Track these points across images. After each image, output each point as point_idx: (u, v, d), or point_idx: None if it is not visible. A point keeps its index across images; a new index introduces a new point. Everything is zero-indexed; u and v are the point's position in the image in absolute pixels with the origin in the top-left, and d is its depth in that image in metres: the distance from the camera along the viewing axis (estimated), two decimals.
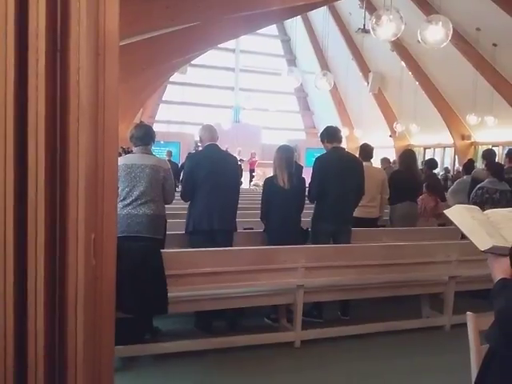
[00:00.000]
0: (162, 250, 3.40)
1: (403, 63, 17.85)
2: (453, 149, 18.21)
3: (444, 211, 1.49)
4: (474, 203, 4.99)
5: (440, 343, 3.99)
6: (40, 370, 1.64)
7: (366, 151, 5.52)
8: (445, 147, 19.02)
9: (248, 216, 5.27)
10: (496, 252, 1.27)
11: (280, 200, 4.21)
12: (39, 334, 1.63)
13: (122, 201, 3.65)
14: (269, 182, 4.37)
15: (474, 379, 1.67)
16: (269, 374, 3.38)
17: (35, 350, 1.64)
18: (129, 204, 3.64)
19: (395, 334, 4.02)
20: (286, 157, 4.30)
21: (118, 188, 3.58)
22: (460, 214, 1.39)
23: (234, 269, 3.55)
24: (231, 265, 3.54)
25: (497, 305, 1.15)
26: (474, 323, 1.73)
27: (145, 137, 3.83)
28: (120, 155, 7.77)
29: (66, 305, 1.68)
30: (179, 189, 4.36)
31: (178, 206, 5.47)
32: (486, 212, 1.42)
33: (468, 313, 1.74)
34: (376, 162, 7.66)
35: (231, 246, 4.03)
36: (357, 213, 4.75)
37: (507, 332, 1.12)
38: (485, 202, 5.00)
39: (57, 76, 1.63)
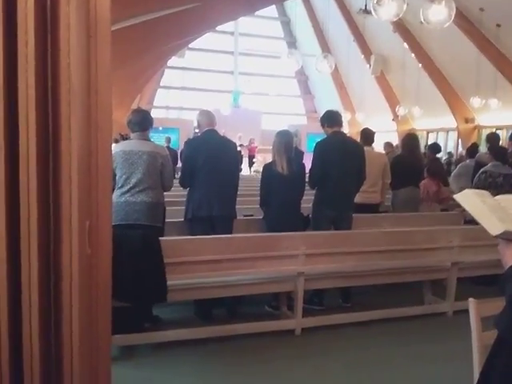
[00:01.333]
0: (160, 238, 3.36)
1: (406, 45, 17.63)
2: (456, 132, 18.10)
3: (453, 196, 1.46)
4: (477, 187, 4.93)
5: (442, 330, 3.97)
6: (36, 359, 1.62)
7: (367, 136, 5.44)
8: (448, 131, 18.91)
9: (248, 203, 5.21)
10: (507, 237, 1.24)
11: (279, 186, 4.15)
12: (34, 323, 1.60)
13: (119, 188, 3.60)
14: (267, 168, 4.30)
15: (475, 365, 1.65)
16: (269, 361, 3.36)
17: (30, 340, 1.61)
18: (127, 191, 3.58)
19: (397, 321, 4.00)
20: (285, 142, 4.22)
21: (113, 174, 3.53)
22: (470, 199, 1.36)
23: (233, 256, 3.51)
24: (231, 252, 3.50)
25: (509, 290, 1.12)
26: (476, 309, 1.72)
27: (142, 122, 3.76)
28: (118, 141, 7.71)
29: (60, 294, 1.65)
30: (178, 176, 4.30)
31: (177, 193, 5.43)
32: (496, 197, 1.39)
33: (470, 299, 1.73)
34: (378, 146, 7.60)
35: (231, 233, 3.98)
36: (358, 198, 4.69)
37: None
38: (488, 186, 4.94)
39: (47, 59, 1.57)
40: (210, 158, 3.93)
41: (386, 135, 15.03)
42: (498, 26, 13.73)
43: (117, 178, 3.58)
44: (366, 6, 13.18)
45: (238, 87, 24.79)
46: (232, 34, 25.21)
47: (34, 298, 1.59)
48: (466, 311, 1.72)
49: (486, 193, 1.40)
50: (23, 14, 1.50)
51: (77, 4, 1.56)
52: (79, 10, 1.58)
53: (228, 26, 21.35)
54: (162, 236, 3.61)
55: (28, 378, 1.62)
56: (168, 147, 10.79)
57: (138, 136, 3.73)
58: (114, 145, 4.14)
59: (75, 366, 1.68)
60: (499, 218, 1.25)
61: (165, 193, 3.92)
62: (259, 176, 5.25)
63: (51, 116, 1.59)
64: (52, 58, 1.57)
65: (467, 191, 1.39)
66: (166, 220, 3.97)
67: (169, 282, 3.28)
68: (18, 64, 1.51)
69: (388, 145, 8.48)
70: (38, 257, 1.58)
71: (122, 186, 3.59)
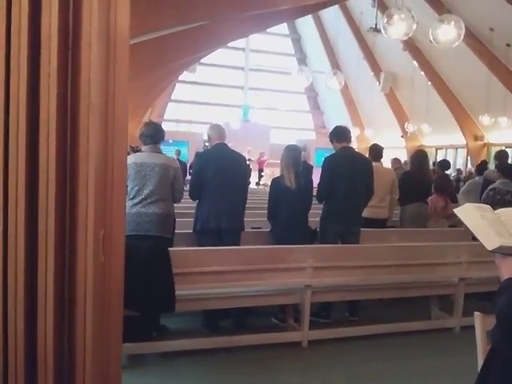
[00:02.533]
0: (170, 249, 3.41)
1: (415, 63, 17.72)
2: (465, 150, 18.06)
3: (454, 210, 1.48)
4: (486, 204, 4.94)
5: (449, 345, 3.96)
6: (49, 366, 1.66)
7: (376, 151, 5.50)
8: (457, 148, 18.88)
9: (256, 216, 5.27)
10: (504, 252, 1.26)
11: (287, 200, 4.20)
12: (49, 330, 1.65)
13: (131, 199, 3.66)
14: (276, 182, 4.36)
15: None
16: (275, 373, 3.38)
17: (45, 347, 1.66)
18: (138, 203, 3.65)
19: (404, 336, 4.00)
20: (293, 156, 4.29)
21: (126, 186, 3.61)
22: (469, 213, 1.38)
23: (241, 268, 3.55)
24: (239, 264, 3.55)
25: (499, 304, 1.15)
26: (482, 323, 1.72)
27: (155, 135, 3.84)
28: (129, 154, 7.80)
29: (75, 301, 1.70)
30: (187, 188, 4.37)
31: (187, 204, 5.49)
32: (497, 211, 1.41)
33: (476, 313, 1.73)
34: (387, 162, 7.63)
35: (239, 245, 4.03)
36: (366, 213, 4.72)
37: (506, 331, 1.12)
38: (496, 203, 4.94)
39: (68, 74, 1.65)
40: (219, 172, 4.00)
41: (395, 151, 15.04)
42: (508, 45, 13.80)
43: (128, 189, 3.65)
44: (376, 24, 13.32)
45: (247, 102, 24.99)
46: (243, 49, 25.54)
47: (50, 304, 1.65)
48: (473, 327, 1.72)
49: (486, 207, 1.41)
50: (47, 33, 1.58)
51: (98, 23, 1.64)
52: (100, 28, 1.67)
53: (239, 42, 21.62)
54: (172, 247, 3.66)
55: (42, 380, 1.66)
56: (178, 159, 10.91)
57: (150, 148, 3.80)
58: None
59: (87, 372, 1.72)
60: (497, 232, 1.27)
61: (175, 204, 3.99)
62: (267, 189, 5.30)
63: (70, 129, 1.67)
64: (72, 74, 1.65)
65: (468, 205, 1.41)
66: (176, 231, 4.03)
67: (177, 292, 3.33)
68: (40, 80, 1.59)
69: (396, 161, 8.50)
70: (54, 264, 1.64)
71: (133, 198, 3.66)
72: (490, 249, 1.25)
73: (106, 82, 1.78)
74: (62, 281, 1.69)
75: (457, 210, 1.40)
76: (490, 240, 1.26)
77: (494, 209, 1.45)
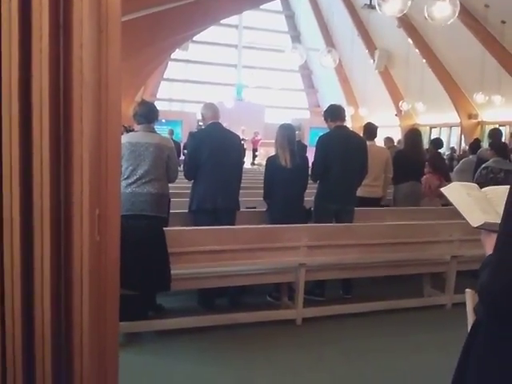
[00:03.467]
0: (165, 228, 3.42)
1: (410, 40, 17.58)
2: (459, 128, 18.08)
3: (441, 189, 1.49)
4: (478, 183, 4.92)
5: (441, 322, 4.03)
6: (47, 344, 1.68)
7: (370, 130, 5.49)
8: (451, 126, 18.90)
9: (251, 195, 5.28)
10: (488, 228, 1.27)
11: (282, 179, 4.20)
12: (46, 309, 1.66)
13: (125, 179, 3.65)
14: (271, 161, 4.35)
15: None
16: (270, 349, 3.43)
17: (42, 326, 1.67)
18: (133, 182, 3.64)
19: (397, 313, 4.07)
20: (288, 135, 4.27)
21: (121, 166, 3.59)
22: (456, 192, 1.38)
23: (236, 247, 3.57)
24: (234, 243, 3.57)
25: (480, 278, 1.18)
26: (473, 300, 1.74)
27: (149, 114, 3.81)
28: (122, 133, 7.73)
29: (71, 280, 1.71)
30: (181, 168, 4.36)
31: (182, 184, 5.49)
32: (484, 189, 1.41)
33: (467, 290, 1.76)
34: (381, 141, 7.63)
35: (234, 225, 4.05)
36: (360, 192, 4.74)
37: (488, 304, 1.15)
38: (489, 181, 4.97)
39: (60, 53, 1.62)
40: (214, 151, 3.99)
41: (389, 130, 15.02)
42: (503, 22, 13.70)
43: (123, 168, 3.63)
44: (370, 0, 13.15)
45: (241, 80, 24.76)
46: (236, 27, 25.19)
47: (46, 283, 1.65)
48: (465, 304, 1.75)
49: (474, 185, 1.41)
50: (38, 9, 1.55)
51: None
52: (91, 4, 1.63)
53: (232, 19, 21.29)
54: (167, 226, 3.67)
55: (39, 357, 1.68)
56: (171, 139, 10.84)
57: (144, 128, 3.78)
58: None
59: (85, 350, 1.74)
60: (482, 209, 1.28)
61: (169, 184, 3.98)
62: (262, 169, 5.30)
63: (63, 108, 1.65)
64: (64, 52, 1.63)
65: (454, 184, 1.41)
66: (171, 211, 4.03)
67: (172, 272, 3.35)
68: (32, 57, 1.57)
69: (388, 140, 8.48)
70: (50, 242, 1.64)
71: (128, 177, 3.65)
72: (474, 225, 1.26)
73: (99, 59, 1.75)
74: (58, 260, 1.69)
75: (444, 189, 1.40)
76: (474, 217, 1.27)
77: (487, 187, 1.46)
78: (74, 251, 1.69)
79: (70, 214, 1.68)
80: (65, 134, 1.66)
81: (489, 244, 1.27)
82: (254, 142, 18.37)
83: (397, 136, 13.18)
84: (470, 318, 1.75)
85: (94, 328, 1.80)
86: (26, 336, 1.67)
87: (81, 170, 1.66)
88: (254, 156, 18.03)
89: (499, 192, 1.39)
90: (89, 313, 1.72)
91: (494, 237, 1.23)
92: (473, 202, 1.31)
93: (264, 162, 4.69)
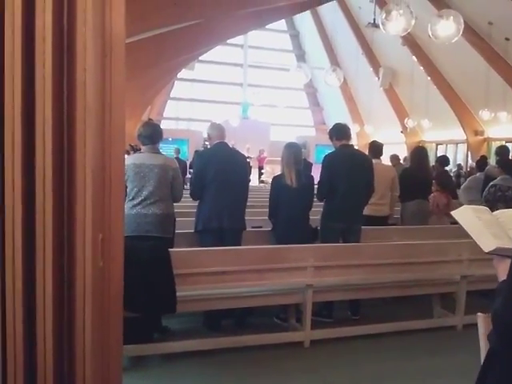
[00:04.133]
0: (170, 250, 3.40)
1: (414, 58, 17.67)
2: (465, 145, 18.02)
3: (451, 212, 1.46)
4: (487, 201, 4.93)
5: (452, 344, 3.94)
6: (49, 371, 1.65)
7: (375, 148, 5.47)
8: (457, 143, 18.84)
9: (256, 214, 5.25)
10: (500, 254, 1.24)
11: (288, 198, 4.17)
12: (48, 336, 1.63)
13: (130, 200, 3.65)
14: (276, 181, 4.34)
15: None
16: (278, 373, 3.36)
17: (44, 352, 1.64)
18: (138, 204, 3.64)
19: (406, 335, 3.98)
20: (294, 154, 4.26)
21: (125, 187, 3.59)
22: (466, 215, 1.36)
23: (242, 268, 3.53)
24: (240, 264, 3.53)
25: (494, 306, 1.15)
26: (485, 324, 1.70)
27: (153, 135, 3.82)
28: (129, 153, 7.78)
29: (74, 307, 1.68)
30: (187, 186, 4.35)
31: (187, 204, 5.47)
32: (495, 213, 1.39)
33: (479, 314, 1.71)
34: (387, 158, 7.61)
35: (240, 245, 4.01)
36: (367, 211, 4.70)
37: (501, 333, 1.11)
38: (497, 199, 4.92)
39: (63, 77, 1.63)
40: (220, 171, 3.98)
41: (395, 147, 14.98)
42: (507, 39, 13.74)
43: (128, 190, 3.64)
44: (374, 20, 13.26)
45: (246, 99, 24.94)
46: (241, 46, 25.46)
47: (48, 309, 1.63)
48: (476, 325, 1.71)
49: (484, 209, 1.39)
50: (41, 34, 1.55)
51: (93, 24, 1.61)
52: (95, 30, 1.64)
53: (238, 38, 21.53)
54: (172, 247, 3.65)
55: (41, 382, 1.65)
56: (177, 158, 10.89)
57: (149, 149, 3.79)
58: (125, 157, 4.20)
59: (87, 377, 1.70)
60: (493, 234, 1.25)
61: (175, 204, 3.97)
62: (267, 187, 5.29)
63: (67, 132, 1.64)
64: (68, 77, 1.63)
65: (464, 207, 1.39)
66: (176, 231, 4.01)
67: (178, 293, 3.31)
68: (35, 82, 1.56)
69: (394, 157, 8.46)
70: (52, 269, 1.62)
71: (133, 199, 3.64)
72: (486, 251, 1.24)
73: (103, 84, 1.75)
74: (61, 287, 1.67)
75: (454, 213, 1.38)
76: (486, 242, 1.24)
77: (496, 205, 1.45)
78: (76, 277, 1.66)
79: (72, 239, 1.66)
80: (68, 159, 1.65)
81: (501, 269, 1.24)
82: (260, 160, 18.39)
83: (402, 153, 13.15)
84: (483, 343, 1.71)
85: (96, 356, 1.76)
86: (28, 365, 1.64)
87: (84, 195, 1.64)
88: (260, 174, 18.04)
89: (510, 215, 1.36)
90: (91, 340, 1.69)
91: (507, 262, 1.21)
92: (483, 226, 1.29)
93: (270, 180, 4.68)
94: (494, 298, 1.21)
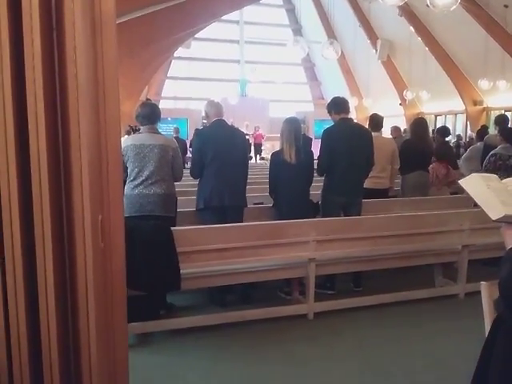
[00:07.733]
0: (173, 228, 3.41)
1: (412, 29, 17.39)
2: (464, 115, 17.87)
3: (459, 181, 1.44)
4: (487, 170, 4.91)
5: (455, 311, 3.99)
6: (54, 352, 1.66)
7: (376, 121, 5.43)
8: (456, 114, 18.69)
9: (257, 191, 5.25)
10: (508, 221, 1.23)
11: (287, 175, 4.16)
12: (51, 318, 1.63)
13: (132, 181, 3.66)
14: (275, 157, 4.32)
15: None
16: (282, 343, 3.42)
17: (48, 335, 1.64)
18: (139, 184, 3.65)
19: (409, 304, 4.03)
20: (294, 129, 4.23)
21: (124, 167, 3.59)
22: (475, 184, 1.34)
23: (245, 244, 3.55)
24: (242, 240, 3.54)
25: (501, 274, 1.15)
26: (488, 292, 1.71)
27: (151, 115, 3.80)
28: (129, 133, 7.74)
29: (76, 290, 1.67)
30: (188, 166, 4.34)
31: (188, 183, 5.47)
32: (504, 180, 1.37)
33: (482, 282, 1.72)
34: (386, 130, 7.55)
35: (242, 222, 4.02)
36: (367, 184, 4.70)
37: (508, 301, 1.12)
38: (498, 168, 4.91)
39: (54, 56, 1.59)
40: (219, 149, 3.96)
41: (394, 119, 14.88)
42: (506, 6, 13.48)
43: (128, 171, 3.65)
44: None
45: (244, 76, 24.66)
46: (237, 22, 25.04)
47: (51, 293, 1.62)
48: (478, 293, 1.71)
49: (493, 177, 1.37)
50: (28, 12, 1.52)
51: (81, 0, 1.58)
52: (84, 6, 1.60)
53: (233, 14, 21.17)
54: (175, 226, 3.67)
55: (47, 364, 1.66)
56: (177, 137, 10.86)
57: (148, 129, 3.77)
58: (124, 138, 4.19)
59: (93, 360, 1.71)
60: (502, 201, 1.24)
61: (176, 183, 3.97)
62: (267, 164, 5.27)
63: (60, 112, 1.61)
64: (58, 56, 1.59)
65: (473, 176, 1.37)
66: (178, 210, 4.02)
67: (182, 271, 3.34)
68: (24, 62, 1.53)
69: (395, 129, 8.39)
70: (52, 252, 1.60)
71: (134, 179, 3.65)
72: (494, 218, 1.22)
73: (94, 62, 1.72)
74: (62, 270, 1.66)
75: (462, 181, 1.37)
76: (494, 209, 1.23)
77: (496, 174, 1.42)
78: (77, 260, 1.66)
79: (71, 221, 1.65)
80: (63, 140, 1.62)
81: (509, 237, 1.23)
82: (256, 137, 18.26)
83: (402, 125, 13.05)
84: (487, 310, 1.72)
85: (101, 337, 1.77)
86: (33, 348, 1.65)
87: (80, 176, 1.62)
88: (256, 151, 17.91)
89: None
90: (95, 322, 1.69)
91: None
92: (492, 194, 1.28)
93: (269, 157, 4.66)
94: (499, 266, 1.20)
